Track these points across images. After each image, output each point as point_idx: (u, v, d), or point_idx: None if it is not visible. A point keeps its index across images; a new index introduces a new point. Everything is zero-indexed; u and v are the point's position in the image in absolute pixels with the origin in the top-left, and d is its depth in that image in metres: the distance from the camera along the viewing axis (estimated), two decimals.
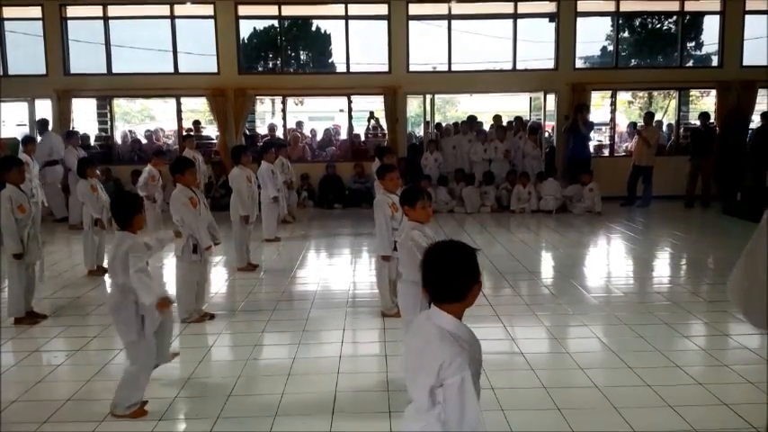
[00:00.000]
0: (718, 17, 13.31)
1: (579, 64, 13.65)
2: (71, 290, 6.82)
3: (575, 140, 12.42)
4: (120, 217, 3.87)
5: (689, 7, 13.46)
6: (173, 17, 12.99)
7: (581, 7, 13.14)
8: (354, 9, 13.12)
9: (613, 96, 13.97)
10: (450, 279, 2.02)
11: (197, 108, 15.43)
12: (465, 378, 1.94)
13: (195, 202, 5.51)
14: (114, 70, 13.14)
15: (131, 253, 3.72)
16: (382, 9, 13.02)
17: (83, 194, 7.38)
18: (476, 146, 12.70)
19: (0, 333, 5.21)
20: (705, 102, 16.55)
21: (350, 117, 13.81)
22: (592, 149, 13.33)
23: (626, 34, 14.54)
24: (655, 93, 16.93)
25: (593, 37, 14.04)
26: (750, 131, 13.42)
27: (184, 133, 13.52)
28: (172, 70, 13.09)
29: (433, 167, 12.50)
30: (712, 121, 12.88)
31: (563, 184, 12.11)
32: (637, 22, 14.49)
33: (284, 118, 14.10)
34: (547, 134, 13.75)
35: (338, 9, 13.13)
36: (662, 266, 7.99)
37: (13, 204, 5.45)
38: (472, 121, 13.56)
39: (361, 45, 13.42)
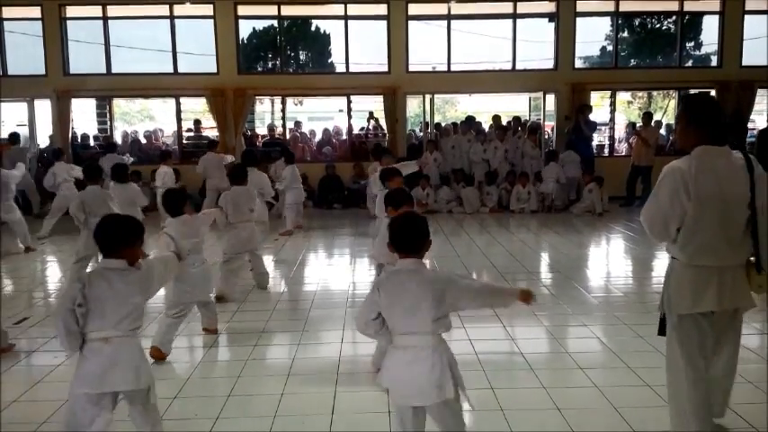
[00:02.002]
0: (717, 17, 13.35)
1: (579, 64, 13.67)
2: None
3: (577, 141, 12.41)
4: (172, 207, 4.82)
5: (688, 7, 13.49)
6: (172, 17, 13.01)
7: (580, 7, 13.17)
8: (354, 9, 13.14)
9: (613, 96, 13.99)
10: (407, 239, 2.83)
11: (196, 108, 15.42)
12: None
13: None
14: (114, 70, 13.16)
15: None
16: (381, 9, 13.04)
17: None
18: (475, 146, 12.70)
19: (0, 334, 5.20)
20: None
21: (349, 117, 13.82)
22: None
23: (625, 34, 14.56)
24: (654, 93, 16.96)
25: (592, 37, 14.06)
26: (750, 131, 13.44)
27: (184, 134, 13.54)
28: (171, 70, 13.11)
29: (432, 167, 12.50)
30: None
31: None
32: (636, 22, 14.51)
33: (284, 118, 14.11)
34: (546, 135, 13.76)
35: (338, 9, 13.14)
36: (661, 266, 7.97)
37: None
38: (471, 121, 13.57)
39: (360, 45, 13.43)
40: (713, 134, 3.08)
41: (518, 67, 13.31)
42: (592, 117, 12.76)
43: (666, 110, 16.78)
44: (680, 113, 3.31)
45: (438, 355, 2.68)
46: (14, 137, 11.90)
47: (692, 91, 15.41)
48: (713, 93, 13.58)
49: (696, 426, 3.10)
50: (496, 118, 13.52)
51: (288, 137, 13.89)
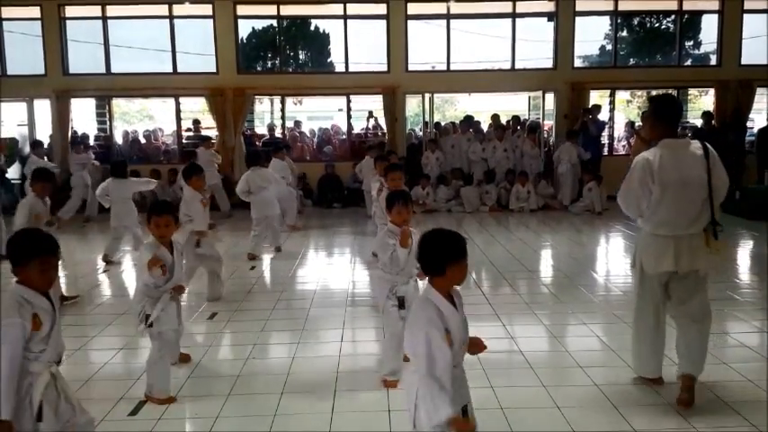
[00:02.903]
0: (716, 16, 13.33)
1: (578, 63, 13.67)
2: (68, 290, 6.80)
3: (585, 141, 12.35)
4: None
5: (687, 6, 13.48)
6: (171, 17, 13.00)
7: (579, 6, 13.16)
8: (353, 8, 13.13)
9: (612, 95, 13.98)
10: (428, 257, 2.53)
11: (196, 108, 15.41)
12: (430, 334, 2.40)
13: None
14: (113, 70, 13.16)
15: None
16: (381, 8, 13.03)
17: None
18: (474, 145, 12.70)
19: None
20: (703, 101, 16.57)
21: (348, 117, 13.82)
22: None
23: (624, 33, 14.56)
24: (653, 92, 16.93)
25: (591, 36, 14.06)
26: (749, 130, 13.43)
27: (184, 134, 13.55)
28: (170, 70, 13.10)
29: (434, 166, 12.51)
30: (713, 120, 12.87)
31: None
32: (635, 21, 14.52)
33: (283, 118, 14.11)
34: (545, 134, 13.75)
35: (337, 8, 13.14)
36: None
37: (30, 212, 5.66)
38: (469, 120, 13.57)
39: (359, 44, 13.42)
40: (675, 129, 3.81)
41: (517, 66, 13.31)
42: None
43: None
44: (648, 112, 4.02)
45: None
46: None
47: (691, 90, 15.53)
48: (712, 91, 13.64)
49: (648, 351, 4.01)
50: (495, 117, 13.51)
51: (287, 136, 13.89)
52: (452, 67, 13.34)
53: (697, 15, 14.02)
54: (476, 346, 2.67)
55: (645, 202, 3.73)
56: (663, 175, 3.64)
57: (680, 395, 3.80)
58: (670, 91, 14.23)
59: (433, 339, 2.41)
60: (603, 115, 14.13)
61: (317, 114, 18.80)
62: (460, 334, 2.54)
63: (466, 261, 2.52)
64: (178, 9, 13.02)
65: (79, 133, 13.70)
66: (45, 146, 12.15)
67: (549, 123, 13.83)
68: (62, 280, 7.29)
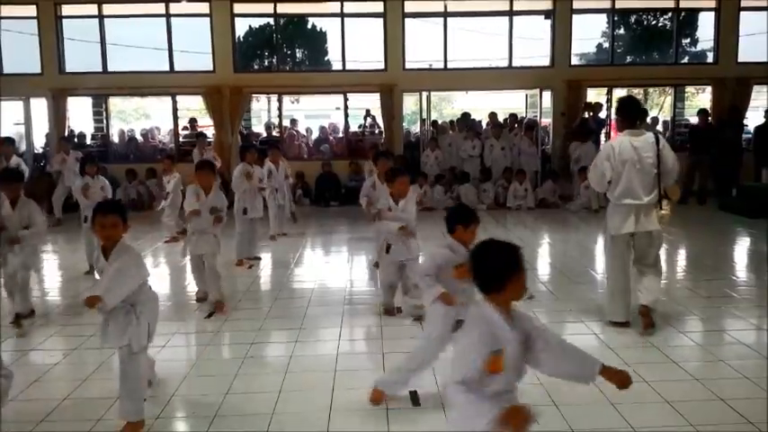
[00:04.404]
0: (713, 14, 13.34)
1: (575, 61, 13.67)
2: (66, 289, 6.79)
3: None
4: None
5: (684, 4, 13.50)
6: (168, 15, 12.97)
7: (577, 4, 13.16)
8: (350, 7, 13.12)
9: (609, 93, 13.97)
10: (485, 272, 2.30)
11: (193, 106, 15.39)
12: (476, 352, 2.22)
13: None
14: (110, 69, 13.13)
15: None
16: (378, 6, 13.02)
17: (75, 191, 7.46)
18: (465, 143, 12.69)
19: None
20: (700, 98, 16.58)
21: (346, 115, 13.80)
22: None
23: (621, 31, 14.56)
24: (650, 89, 16.96)
25: (588, 34, 14.06)
26: (745, 127, 13.45)
27: (180, 132, 13.56)
28: (167, 68, 13.07)
29: (433, 165, 12.50)
30: (709, 118, 12.87)
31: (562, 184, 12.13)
32: (632, 19, 14.51)
33: (280, 116, 14.09)
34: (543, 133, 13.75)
35: (334, 7, 13.12)
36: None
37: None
38: (466, 118, 13.55)
39: (356, 43, 13.40)
40: (634, 122, 5.11)
41: (514, 64, 13.30)
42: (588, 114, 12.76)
43: (663, 106, 16.75)
44: (616, 109, 5.36)
45: None
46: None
47: (688, 87, 15.56)
48: (709, 89, 13.64)
49: (619, 299, 5.12)
50: (493, 115, 13.50)
51: (284, 135, 13.87)
52: (449, 66, 13.33)
53: (694, 13, 14.03)
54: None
55: (607, 177, 4.94)
56: (622, 154, 4.89)
57: (642, 322, 4.98)
58: (667, 89, 14.32)
59: (476, 360, 2.21)
60: (602, 114, 14.16)
61: (314, 113, 18.79)
62: (515, 357, 2.31)
63: (524, 273, 2.31)
64: (175, 7, 12.99)
65: (76, 132, 13.69)
66: (15, 145, 11.60)
67: (546, 121, 13.84)
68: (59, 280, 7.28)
